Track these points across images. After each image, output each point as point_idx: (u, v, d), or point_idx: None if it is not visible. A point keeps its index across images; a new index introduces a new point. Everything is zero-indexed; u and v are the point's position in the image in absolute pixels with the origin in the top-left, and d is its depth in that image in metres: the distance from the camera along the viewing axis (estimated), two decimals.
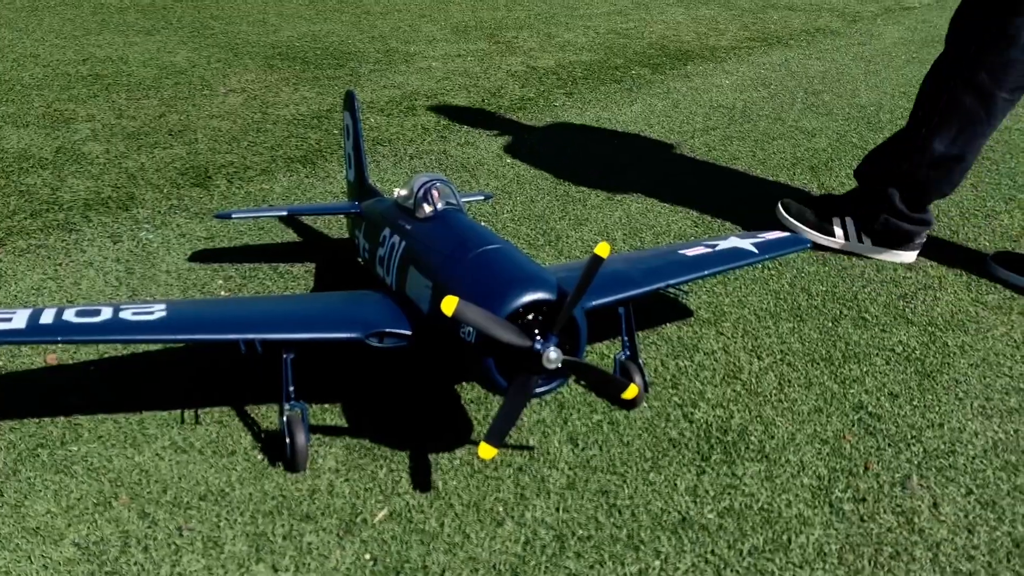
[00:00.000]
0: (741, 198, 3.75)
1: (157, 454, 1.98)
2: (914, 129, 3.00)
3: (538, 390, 1.81)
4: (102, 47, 5.57)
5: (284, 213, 2.95)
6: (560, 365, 1.72)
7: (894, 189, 3.06)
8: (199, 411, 2.12)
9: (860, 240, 3.17)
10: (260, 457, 2.00)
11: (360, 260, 2.72)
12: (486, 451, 1.71)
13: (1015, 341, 2.71)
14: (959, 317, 2.85)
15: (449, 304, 1.64)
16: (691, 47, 6.48)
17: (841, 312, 2.83)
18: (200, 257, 2.95)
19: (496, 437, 1.72)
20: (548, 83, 5.46)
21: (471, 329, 1.74)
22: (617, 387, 1.88)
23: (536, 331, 1.75)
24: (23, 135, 3.93)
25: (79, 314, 1.83)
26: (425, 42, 6.24)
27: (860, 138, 4.68)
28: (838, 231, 3.20)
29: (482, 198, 3.26)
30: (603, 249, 1.70)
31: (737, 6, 8.20)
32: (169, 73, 5.11)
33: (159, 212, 3.26)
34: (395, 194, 2.43)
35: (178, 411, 2.12)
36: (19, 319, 1.77)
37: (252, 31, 6.25)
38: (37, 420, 2.06)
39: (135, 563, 1.69)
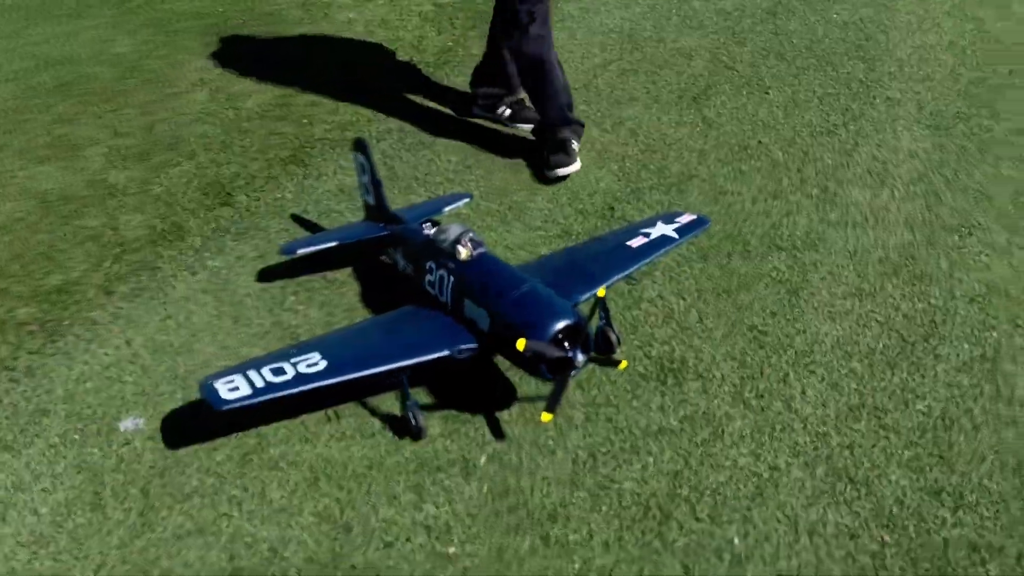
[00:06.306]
0: (649, 146, 4.78)
1: (327, 444, 3.04)
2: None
3: (571, 376, 2.95)
4: (44, 44, 5.98)
5: (334, 244, 3.81)
6: (585, 363, 2.87)
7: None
8: (335, 409, 3.17)
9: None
10: (391, 435, 3.09)
11: (399, 268, 3.67)
12: (546, 417, 2.86)
13: (848, 252, 3.97)
14: (811, 237, 4.08)
15: (521, 344, 2.74)
16: None
17: (732, 248, 4.02)
18: (263, 276, 3.84)
19: (551, 408, 2.86)
20: (459, 24, 6.24)
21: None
22: (613, 364, 3.07)
23: (567, 344, 2.87)
24: (50, 172, 4.57)
25: (273, 372, 2.83)
26: None
27: (729, 56, 5.73)
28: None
29: (467, 200, 4.17)
30: (601, 292, 2.82)
31: None
32: (124, 69, 5.66)
33: (208, 238, 4.09)
34: (424, 229, 3.44)
35: (321, 412, 3.17)
36: (244, 387, 2.76)
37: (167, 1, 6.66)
38: (235, 436, 3.07)
39: (353, 518, 2.80)
